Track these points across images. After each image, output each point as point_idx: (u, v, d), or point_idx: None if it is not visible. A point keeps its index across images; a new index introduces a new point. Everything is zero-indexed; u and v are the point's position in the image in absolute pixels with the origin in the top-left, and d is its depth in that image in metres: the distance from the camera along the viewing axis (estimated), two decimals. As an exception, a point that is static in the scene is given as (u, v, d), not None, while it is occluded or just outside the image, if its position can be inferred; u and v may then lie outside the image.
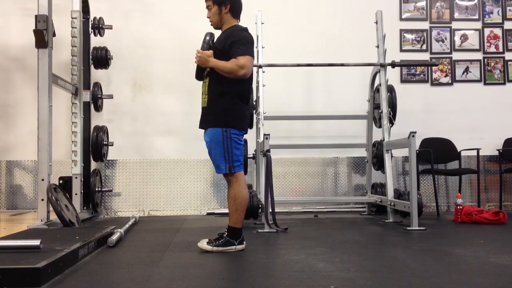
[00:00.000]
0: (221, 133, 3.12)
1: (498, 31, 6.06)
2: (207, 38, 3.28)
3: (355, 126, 5.70)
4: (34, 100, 4.18)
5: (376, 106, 5.21)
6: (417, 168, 5.25)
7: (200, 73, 3.29)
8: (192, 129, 5.73)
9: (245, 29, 3.26)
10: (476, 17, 6.06)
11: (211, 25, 3.35)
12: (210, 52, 3.16)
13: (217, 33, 3.38)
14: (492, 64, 6.03)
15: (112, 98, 5.47)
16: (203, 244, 3.15)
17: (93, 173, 5.24)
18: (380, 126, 5.03)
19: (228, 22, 3.28)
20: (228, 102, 3.14)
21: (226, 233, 3.15)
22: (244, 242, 3.21)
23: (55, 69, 4.27)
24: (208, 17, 3.34)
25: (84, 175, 5.08)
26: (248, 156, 4.80)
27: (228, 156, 3.12)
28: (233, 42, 3.12)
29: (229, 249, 3.09)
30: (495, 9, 6.07)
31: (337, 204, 5.63)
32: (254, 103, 4.90)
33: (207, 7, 3.32)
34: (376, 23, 5.12)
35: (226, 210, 5.27)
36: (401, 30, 5.98)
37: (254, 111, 4.85)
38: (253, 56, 3.16)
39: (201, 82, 3.31)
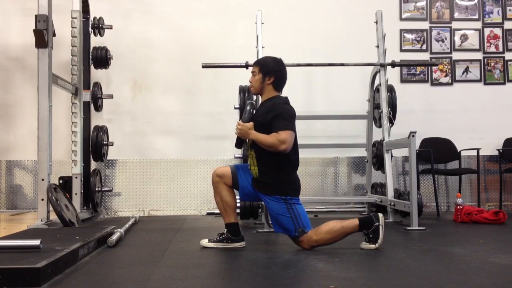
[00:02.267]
0: (284, 204, 3.13)
1: (498, 31, 6.06)
2: (248, 108, 3.28)
3: (355, 126, 5.70)
4: (34, 100, 4.18)
5: (376, 106, 5.21)
6: (417, 168, 5.25)
7: (241, 143, 3.34)
8: (192, 129, 5.78)
9: (287, 102, 3.26)
10: (476, 17, 6.06)
11: (251, 89, 3.37)
12: (251, 124, 3.17)
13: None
14: (492, 64, 6.04)
15: (112, 98, 5.47)
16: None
17: (93, 173, 5.24)
18: (380, 126, 5.03)
19: (268, 92, 3.28)
20: (281, 172, 3.17)
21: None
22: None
23: (55, 69, 4.27)
24: (250, 82, 3.35)
25: (84, 175, 5.08)
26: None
27: (297, 222, 3.12)
28: (275, 116, 3.12)
29: None
30: (495, 9, 6.07)
31: (337, 204, 5.63)
32: (254, 102, 4.90)
33: (252, 72, 3.33)
34: (376, 23, 5.12)
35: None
36: (401, 30, 5.98)
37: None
38: (294, 131, 3.15)
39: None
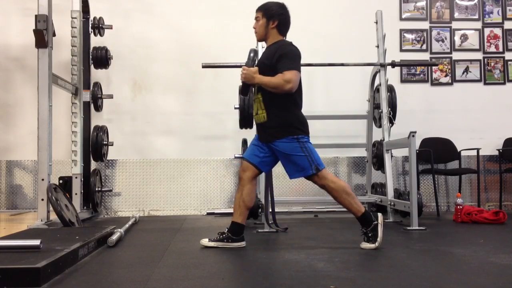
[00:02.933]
0: (297, 142, 3.14)
1: (498, 31, 6.06)
2: (252, 54, 3.29)
3: (355, 126, 5.70)
4: (34, 100, 4.18)
5: (376, 106, 5.21)
6: (417, 168, 5.25)
7: (246, 89, 3.33)
8: (192, 129, 5.78)
9: (291, 44, 3.27)
10: (476, 17, 6.06)
11: (256, 35, 3.37)
12: (255, 69, 3.18)
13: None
14: (492, 64, 6.04)
15: (112, 98, 5.47)
16: None
17: (93, 173, 5.24)
18: (380, 126, 5.03)
19: (273, 37, 3.30)
20: (290, 113, 3.18)
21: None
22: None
23: (55, 69, 4.27)
24: (254, 28, 3.36)
25: (84, 175, 5.08)
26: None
27: (312, 159, 3.14)
28: (280, 56, 3.13)
29: None
30: (495, 9, 6.07)
31: (337, 204, 5.61)
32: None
33: (256, 18, 3.33)
34: (376, 23, 5.12)
35: (226, 210, 5.32)
36: (401, 30, 5.98)
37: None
38: (299, 70, 3.16)
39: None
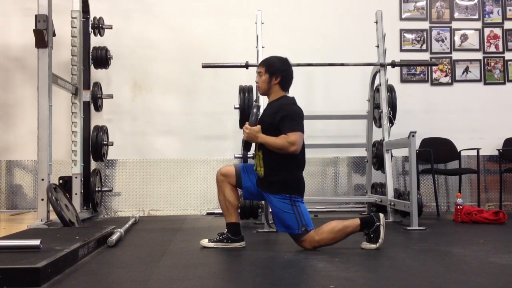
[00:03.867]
0: (289, 201, 3.12)
1: (498, 31, 6.06)
2: (254, 111, 3.26)
3: (355, 126, 5.70)
4: (34, 100, 4.17)
5: (376, 106, 5.20)
6: (417, 168, 5.25)
7: (248, 146, 3.32)
8: (192, 129, 5.78)
9: (294, 102, 3.26)
10: (476, 16, 6.06)
11: (258, 89, 3.38)
12: (258, 127, 3.15)
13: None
14: (492, 64, 6.04)
15: (112, 98, 5.47)
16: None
17: (93, 173, 5.24)
18: (380, 126, 5.03)
19: (276, 93, 3.28)
20: (288, 173, 3.16)
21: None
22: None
23: (55, 69, 4.27)
24: (256, 82, 3.36)
25: (84, 175, 5.08)
26: (249, 155, 4.80)
27: (300, 219, 3.11)
28: (283, 117, 3.11)
29: None
30: (495, 9, 6.07)
31: (337, 204, 5.63)
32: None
33: (259, 72, 3.33)
34: (376, 23, 5.12)
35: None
36: (401, 30, 5.98)
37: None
38: (303, 132, 3.14)
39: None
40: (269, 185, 3.18)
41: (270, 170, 3.18)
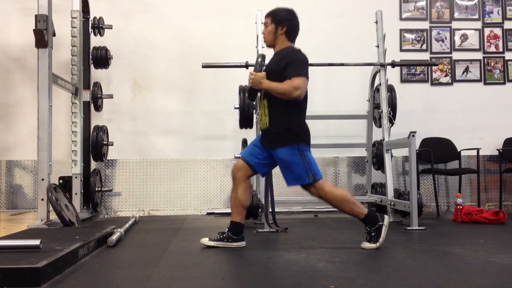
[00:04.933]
0: (297, 150, 3.13)
1: (498, 31, 6.06)
2: (259, 60, 3.28)
3: (355, 126, 5.70)
4: (34, 100, 4.18)
5: (376, 105, 5.21)
6: (417, 168, 5.25)
7: (253, 94, 3.34)
8: (192, 129, 5.78)
9: (299, 51, 3.27)
10: (476, 16, 6.06)
11: (264, 41, 3.38)
12: (263, 74, 3.17)
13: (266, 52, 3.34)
14: (492, 64, 6.04)
15: (112, 98, 5.47)
16: None
17: (93, 173, 5.24)
18: (380, 126, 5.03)
19: (281, 43, 3.29)
20: (293, 119, 3.17)
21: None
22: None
23: (55, 69, 4.27)
24: (262, 33, 3.36)
25: (84, 175, 5.08)
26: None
27: (309, 168, 3.13)
28: (288, 63, 3.12)
29: None
30: (495, 8, 6.07)
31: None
32: (254, 103, 4.90)
33: (265, 23, 3.33)
34: (376, 23, 5.11)
35: (226, 210, 5.32)
36: (401, 30, 5.98)
37: (254, 110, 4.84)
38: (307, 77, 3.14)
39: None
40: (275, 137, 3.18)
41: (274, 117, 3.18)
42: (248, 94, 3.36)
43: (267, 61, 3.39)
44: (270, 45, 3.34)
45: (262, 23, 3.38)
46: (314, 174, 3.13)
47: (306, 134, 3.21)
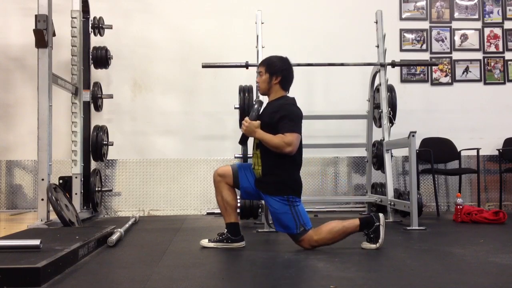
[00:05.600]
0: (286, 202, 3.13)
1: (498, 31, 6.06)
2: (256, 106, 3.26)
3: (355, 126, 5.70)
4: (34, 100, 4.17)
5: (376, 105, 5.21)
6: (417, 168, 5.25)
7: (245, 140, 3.32)
8: (192, 129, 5.78)
9: (294, 103, 3.26)
10: (476, 16, 6.06)
11: (258, 90, 3.39)
12: (258, 123, 3.16)
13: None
14: (492, 64, 6.03)
15: (112, 98, 5.47)
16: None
17: (93, 173, 5.24)
18: (380, 126, 5.03)
19: (276, 92, 3.28)
20: (285, 172, 3.16)
21: None
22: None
23: (55, 69, 4.27)
24: (257, 82, 3.37)
25: (84, 175, 5.08)
26: (249, 155, 4.80)
27: (298, 219, 3.12)
28: (282, 117, 3.11)
29: None
30: (495, 8, 6.07)
31: (337, 204, 5.63)
32: (254, 102, 4.90)
33: (259, 72, 3.33)
34: (376, 22, 5.11)
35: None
36: (401, 30, 5.98)
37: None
38: (300, 133, 3.14)
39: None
40: (267, 186, 3.18)
41: (267, 169, 3.18)
42: (240, 140, 3.35)
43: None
44: (264, 93, 3.34)
45: (257, 72, 3.37)
46: (304, 224, 3.12)
47: (298, 186, 3.21)
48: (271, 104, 3.28)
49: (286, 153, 3.09)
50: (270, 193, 3.16)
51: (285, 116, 3.12)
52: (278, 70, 3.25)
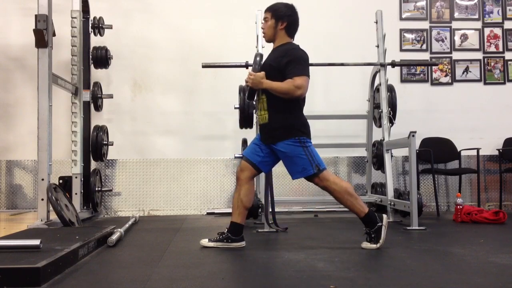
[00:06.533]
0: (299, 143, 3.14)
1: (498, 31, 6.06)
2: (258, 59, 3.27)
3: (355, 126, 5.70)
4: (34, 100, 4.18)
5: (376, 105, 5.21)
6: (417, 168, 5.25)
7: (253, 94, 3.31)
8: (192, 129, 5.78)
9: (299, 48, 3.27)
10: (476, 16, 6.06)
11: (263, 36, 3.37)
12: (263, 73, 3.16)
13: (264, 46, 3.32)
14: (492, 64, 6.03)
15: (112, 97, 5.47)
16: None
17: (93, 172, 5.24)
18: (380, 126, 5.03)
19: (281, 38, 3.29)
20: (292, 115, 3.18)
21: None
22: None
23: (55, 68, 4.27)
24: (262, 28, 3.37)
25: (84, 175, 5.08)
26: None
27: (312, 159, 3.14)
28: (289, 61, 3.12)
29: None
30: (495, 8, 6.07)
31: (337, 204, 5.61)
32: (254, 102, 4.90)
33: (264, 18, 3.33)
34: (376, 22, 5.12)
35: (226, 210, 5.32)
36: (401, 30, 5.98)
37: (254, 110, 4.84)
38: (309, 76, 3.15)
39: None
40: (276, 133, 3.18)
41: (274, 113, 3.18)
42: (248, 94, 3.34)
43: (264, 57, 3.38)
44: (269, 40, 3.34)
45: (262, 20, 3.37)
46: (318, 165, 3.14)
47: (307, 127, 3.22)
48: (277, 50, 3.28)
49: (297, 97, 3.10)
50: (281, 138, 3.16)
51: (292, 60, 3.13)
52: (284, 15, 3.26)
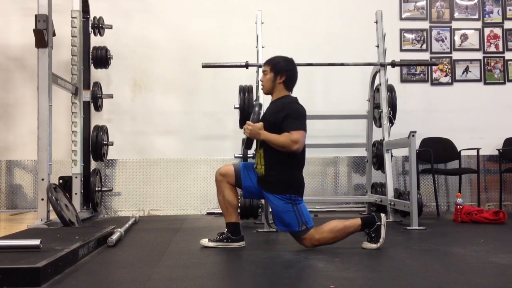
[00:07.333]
0: (289, 200, 3.13)
1: (498, 31, 6.06)
2: (257, 109, 3.26)
3: (355, 126, 5.70)
4: (34, 99, 4.18)
5: (376, 105, 5.21)
6: (417, 168, 5.25)
7: (250, 144, 3.30)
8: (192, 129, 5.78)
9: (297, 101, 3.27)
10: (476, 16, 6.06)
11: (262, 89, 3.38)
12: (261, 124, 3.16)
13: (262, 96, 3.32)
14: (492, 64, 6.03)
15: (112, 97, 5.47)
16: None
17: (93, 172, 5.24)
18: (380, 126, 5.03)
19: (279, 91, 3.29)
20: (288, 172, 3.17)
21: None
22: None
23: (55, 68, 4.27)
24: (261, 81, 3.38)
25: (84, 175, 5.08)
26: (249, 155, 4.80)
27: (300, 218, 3.12)
28: (286, 115, 3.12)
29: None
30: (495, 8, 6.07)
31: (337, 204, 5.63)
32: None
33: (263, 71, 3.34)
34: (376, 22, 5.12)
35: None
36: (401, 30, 5.98)
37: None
38: (306, 131, 3.15)
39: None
40: (270, 184, 3.18)
41: (270, 168, 3.18)
42: (245, 144, 3.33)
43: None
44: (267, 92, 3.34)
45: (262, 71, 3.38)
46: (306, 223, 3.12)
47: (301, 186, 3.22)
48: (274, 103, 3.29)
49: (293, 151, 3.09)
50: (273, 191, 3.16)
51: (289, 114, 3.13)
52: (283, 69, 3.26)
